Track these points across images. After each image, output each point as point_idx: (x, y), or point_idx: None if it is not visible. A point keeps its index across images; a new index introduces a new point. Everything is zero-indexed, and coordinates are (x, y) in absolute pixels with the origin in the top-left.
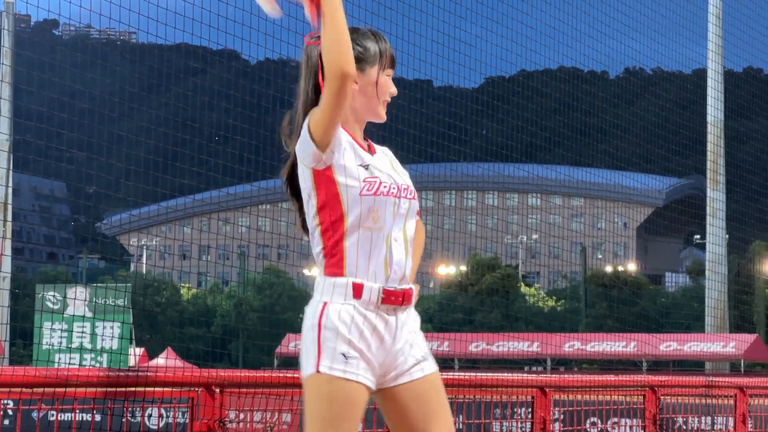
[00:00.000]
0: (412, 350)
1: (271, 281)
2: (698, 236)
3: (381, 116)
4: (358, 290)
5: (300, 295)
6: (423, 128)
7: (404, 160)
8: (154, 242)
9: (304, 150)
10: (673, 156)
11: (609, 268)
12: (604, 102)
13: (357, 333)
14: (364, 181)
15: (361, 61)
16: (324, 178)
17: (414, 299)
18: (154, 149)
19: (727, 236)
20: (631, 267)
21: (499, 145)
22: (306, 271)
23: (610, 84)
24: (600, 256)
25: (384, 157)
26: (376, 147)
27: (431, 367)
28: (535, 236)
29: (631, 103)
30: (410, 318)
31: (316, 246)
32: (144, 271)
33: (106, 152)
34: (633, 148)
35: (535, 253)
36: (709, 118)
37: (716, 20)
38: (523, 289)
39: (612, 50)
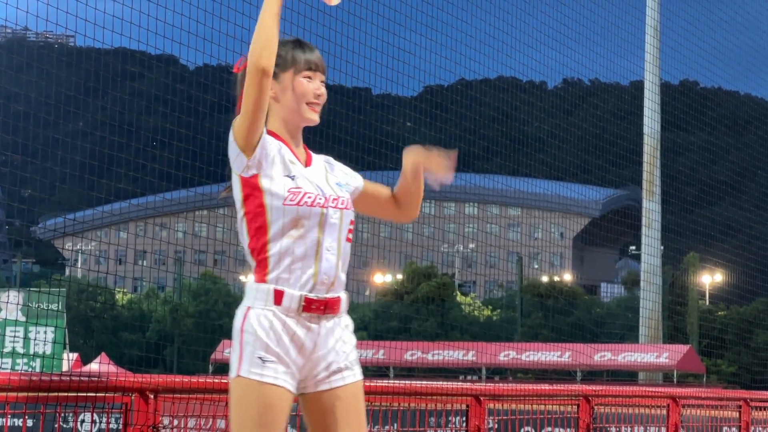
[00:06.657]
0: (336, 358)
1: (207, 287)
2: (633, 247)
3: (309, 119)
4: (278, 297)
5: (236, 302)
6: (361, 136)
7: None
8: (89, 247)
9: (231, 155)
10: (610, 167)
11: (545, 278)
12: (542, 112)
13: (275, 338)
14: (288, 191)
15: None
16: (250, 187)
17: (343, 306)
18: (90, 153)
19: (662, 247)
20: (567, 277)
21: None
22: (242, 278)
23: (548, 94)
24: (536, 266)
25: (320, 168)
26: (315, 156)
27: (354, 376)
28: (471, 245)
29: (569, 114)
30: (339, 326)
31: (247, 253)
32: (79, 276)
33: (42, 156)
34: (570, 159)
35: (472, 262)
36: (646, 130)
37: (654, 33)
38: (459, 298)
39: (551, 60)
